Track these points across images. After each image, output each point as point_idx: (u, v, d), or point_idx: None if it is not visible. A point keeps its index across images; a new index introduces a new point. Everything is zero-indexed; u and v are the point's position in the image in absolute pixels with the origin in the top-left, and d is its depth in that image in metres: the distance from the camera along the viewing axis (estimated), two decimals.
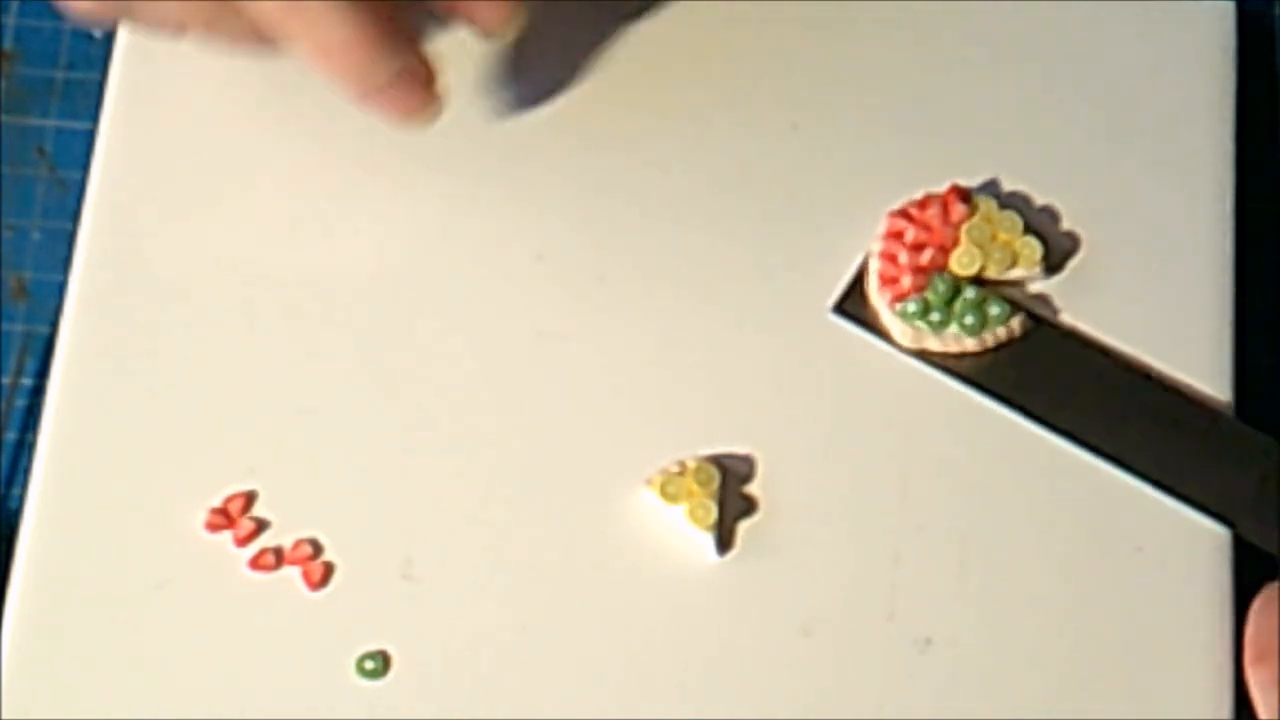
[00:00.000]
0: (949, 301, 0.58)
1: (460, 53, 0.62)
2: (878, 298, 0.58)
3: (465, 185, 0.60)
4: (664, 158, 0.61)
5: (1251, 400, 0.59)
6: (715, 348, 0.59)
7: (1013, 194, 0.60)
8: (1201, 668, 0.56)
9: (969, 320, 0.58)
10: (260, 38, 0.53)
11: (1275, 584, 0.55)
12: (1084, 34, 0.62)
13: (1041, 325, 0.59)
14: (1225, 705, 0.55)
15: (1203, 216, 0.60)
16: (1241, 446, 0.57)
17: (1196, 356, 0.59)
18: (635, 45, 0.62)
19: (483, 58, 0.62)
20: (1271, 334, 0.61)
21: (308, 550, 0.57)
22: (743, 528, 0.57)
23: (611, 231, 0.60)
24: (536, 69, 0.62)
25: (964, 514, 0.57)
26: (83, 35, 0.64)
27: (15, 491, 0.58)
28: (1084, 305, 0.59)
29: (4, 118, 0.63)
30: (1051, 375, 0.58)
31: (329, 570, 0.57)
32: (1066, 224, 0.60)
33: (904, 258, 0.58)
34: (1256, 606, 0.55)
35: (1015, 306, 0.58)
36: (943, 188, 0.60)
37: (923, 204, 0.59)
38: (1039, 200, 0.60)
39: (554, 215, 0.60)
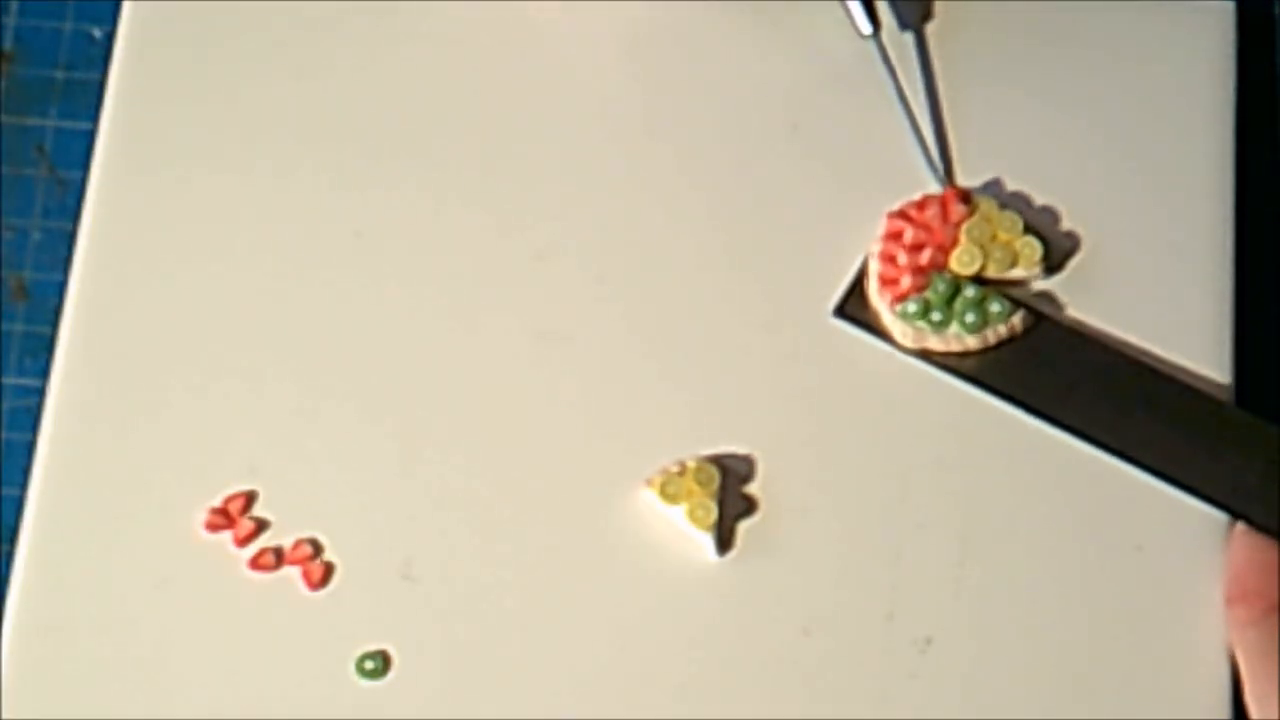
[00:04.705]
0: (949, 300, 0.58)
1: (461, 53, 0.62)
2: (878, 299, 0.58)
3: (465, 185, 0.60)
4: (664, 158, 0.61)
5: (1252, 389, 0.59)
6: (715, 348, 0.59)
7: (1013, 194, 0.60)
8: (1201, 667, 0.56)
9: (970, 318, 0.58)
10: None
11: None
12: (1084, 34, 0.62)
13: (1043, 321, 0.59)
14: (1224, 704, 0.55)
15: (1203, 216, 0.60)
16: (1244, 435, 0.57)
17: (1197, 348, 0.59)
18: (635, 46, 0.62)
19: (484, 57, 0.62)
20: (1271, 327, 0.61)
21: (308, 550, 0.57)
22: (743, 528, 0.57)
23: (611, 231, 0.60)
24: (537, 69, 0.62)
25: (964, 514, 0.57)
26: (83, 35, 0.64)
27: (15, 492, 0.58)
28: (1085, 303, 0.59)
29: (4, 118, 0.63)
30: (1054, 370, 0.58)
31: (329, 570, 0.57)
32: (1066, 224, 0.60)
33: (903, 258, 0.58)
34: (1233, 546, 0.56)
35: (1016, 303, 0.58)
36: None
37: (921, 205, 0.59)
38: (1039, 200, 0.60)
39: (554, 215, 0.60)
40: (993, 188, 0.60)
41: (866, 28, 0.60)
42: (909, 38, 0.62)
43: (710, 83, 0.62)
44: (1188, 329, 0.59)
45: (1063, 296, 0.59)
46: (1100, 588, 0.57)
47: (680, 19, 0.62)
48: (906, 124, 0.60)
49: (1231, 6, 0.62)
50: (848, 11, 0.61)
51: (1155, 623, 0.56)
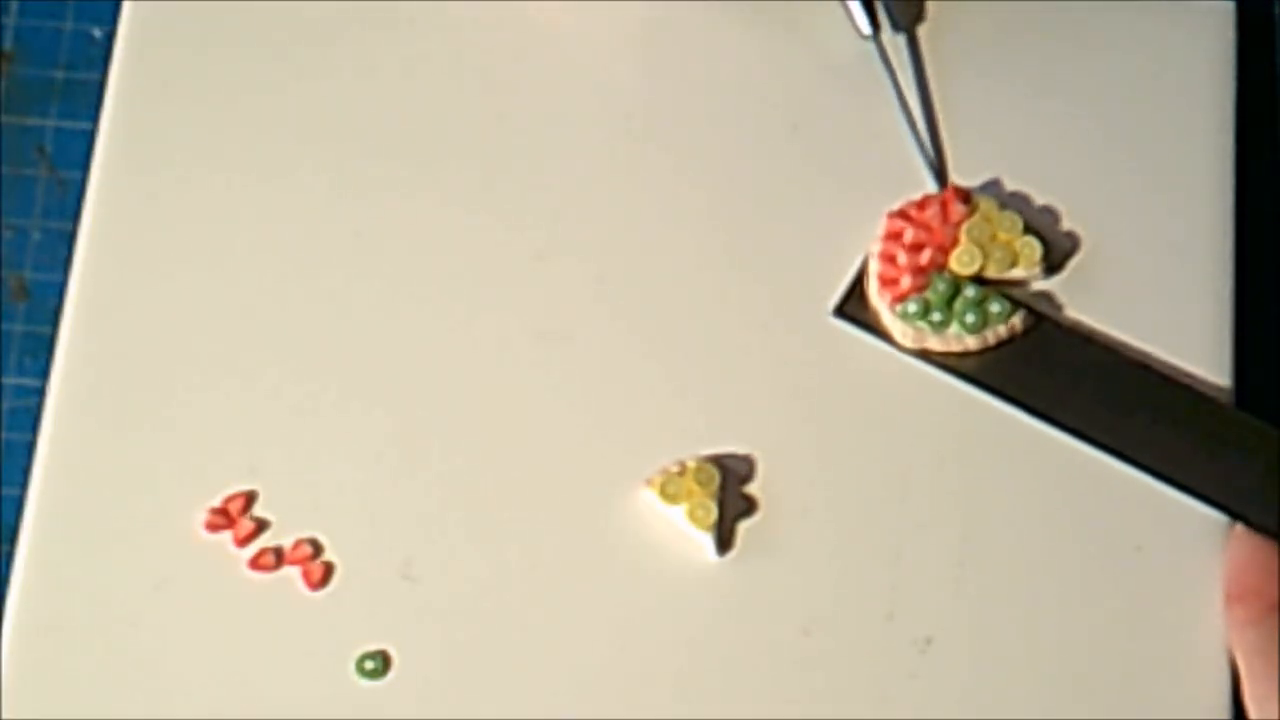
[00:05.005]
0: (949, 301, 0.58)
1: (461, 53, 0.62)
2: (878, 299, 0.58)
3: (465, 185, 0.60)
4: (664, 158, 0.61)
5: (1252, 391, 0.59)
6: (715, 348, 0.59)
7: (1013, 194, 0.60)
8: (1201, 667, 0.56)
9: (970, 319, 0.58)
10: None
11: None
12: (1084, 34, 0.62)
13: (1043, 321, 0.59)
14: (1224, 704, 0.55)
15: (1203, 216, 0.60)
16: (1243, 436, 0.57)
17: (1197, 349, 0.59)
18: (634, 46, 0.62)
19: (483, 57, 0.62)
20: (1271, 327, 0.61)
21: (308, 550, 0.57)
22: (743, 528, 0.57)
23: (611, 231, 0.60)
24: (536, 70, 0.62)
25: (964, 514, 0.57)
26: (83, 35, 0.64)
27: (15, 491, 0.58)
28: (1085, 303, 0.59)
29: (4, 118, 0.63)
30: (1054, 371, 0.58)
31: (329, 570, 0.57)
32: (1066, 224, 0.60)
33: (903, 258, 0.58)
34: (1232, 546, 0.56)
35: (1015, 303, 0.58)
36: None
37: (921, 204, 0.59)
38: (1039, 200, 0.60)
39: (554, 215, 0.60)
40: (993, 188, 0.60)
41: (866, 28, 0.61)
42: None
43: (710, 83, 0.62)
44: (1188, 329, 0.59)
45: (1063, 296, 0.59)
46: (1100, 588, 0.57)
47: (680, 19, 0.62)
48: (904, 124, 0.60)
49: (1231, 6, 0.62)
50: (848, 11, 0.61)
51: (1155, 623, 0.56)
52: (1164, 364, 0.58)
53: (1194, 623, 0.56)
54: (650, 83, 0.62)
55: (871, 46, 0.61)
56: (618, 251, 0.60)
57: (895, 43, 0.62)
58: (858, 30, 0.61)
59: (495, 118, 0.61)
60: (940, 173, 0.60)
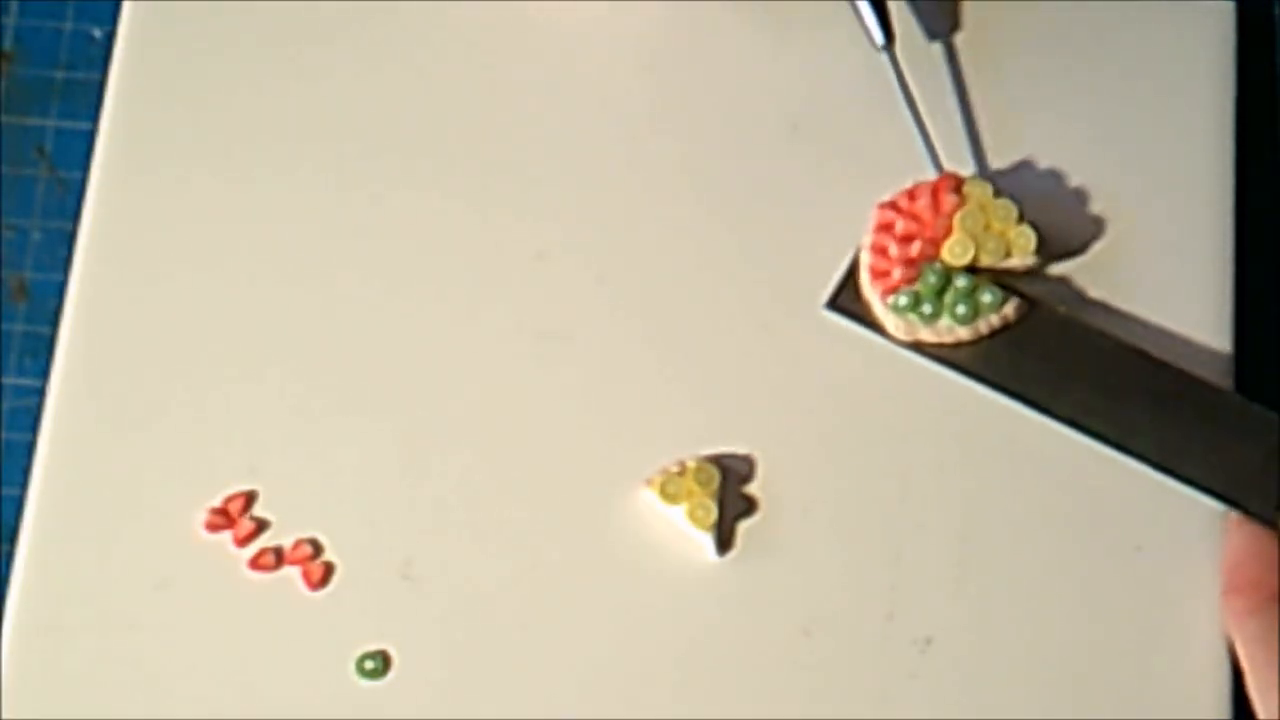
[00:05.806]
0: (940, 293, 0.57)
1: (461, 53, 0.62)
2: (870, 292, 0.58)
3: (466, 185, 0.60)
4: (664, 159, 0.61)
5: (1251, 391, 0.59)
6: (715, 347, 0.59)
7: (1013, 194, 0.60)
8: (1200, 667, 0.56)
9: (961, 310, 0.57)
10: None
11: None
12: (1084, 34, 0.62)
13: (1036, 309, 0.58)
14: (1224, 704, 0.55)
15: (1203, 216, 0.60)
16: (1243, 422, 0.57)
17: (1197, 349, 0.58)
18: (634, 47, 0.62)
19: (484, 58, 0.62)
20: (1271, 329, 0.61)
21: (308, 550, 0.57)
22: (743, 528, 0.57)
23: (611, 231, 0.60)
24: (536, 70, 0.62)
25: (964, 513, 0.57)
26: (83, 35, 0.64)
27: (15, 491, 0.58)
28: (1085, 303, 0.59)
29: (4, 118, 0.63)
30: (1048, 359, 0.58)
31: (329, 570, 0.57)
32: (1067, 224, 0.60)
33: (894, 250, 0.58)
34: (1231, 536, 0.56)
35: (1008, 291, 0.58)
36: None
37: (911, 195, 0.59)
38: (1039, 200, 0.60)
39: (554, 215, 0.60)
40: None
41: (880, 39, 0.60)
42: (917, 47, 0.62)
43: (710, 83, 0.62)
44: (1188, 328, 0.59)
45: (1062, 287, 0.59)
46: (1100, 587, 0.57)
47: (680, 20, 0.62)
48: (918, 135, 0.60)
49: (1231, 6, 0.62)
50: (862, 24, 0.60)
51: (1155, 622, 0.56)
52: (1162, 349, 0.58)
53: (1194, 622, 0.56)
54: (650, 83, 0.62)
55: (885, 57, 0.60)
56: (618, 251, 0.60)
57: (905, 52, 0.61)
58: (872, 42, 0.60)
59: (495, 118, 0.61)
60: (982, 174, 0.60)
